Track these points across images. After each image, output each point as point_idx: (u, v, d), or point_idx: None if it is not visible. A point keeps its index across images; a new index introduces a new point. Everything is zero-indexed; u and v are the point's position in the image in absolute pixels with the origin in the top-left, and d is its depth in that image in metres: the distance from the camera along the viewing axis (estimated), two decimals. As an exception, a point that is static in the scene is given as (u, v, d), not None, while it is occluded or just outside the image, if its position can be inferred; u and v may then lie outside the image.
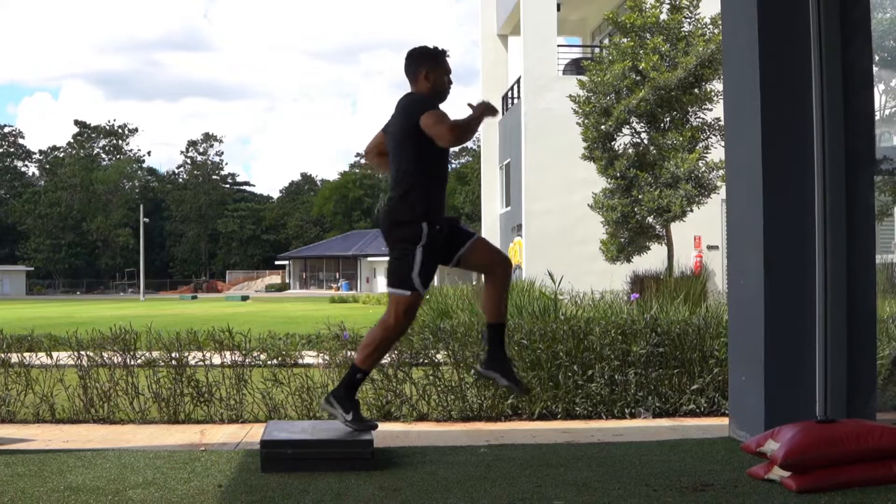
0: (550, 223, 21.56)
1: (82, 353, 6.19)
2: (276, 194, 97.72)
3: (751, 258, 4.98)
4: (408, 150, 4.48)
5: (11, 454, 4.64)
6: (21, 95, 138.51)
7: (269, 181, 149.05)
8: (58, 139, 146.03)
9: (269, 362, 6.20)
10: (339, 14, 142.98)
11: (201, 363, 6.13)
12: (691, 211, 15.36)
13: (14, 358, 6.23)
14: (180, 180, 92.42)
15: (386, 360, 6.13)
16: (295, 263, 77.28)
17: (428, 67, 4.61)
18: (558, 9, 23.15)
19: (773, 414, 4.66)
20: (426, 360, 6.16)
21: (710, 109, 15.42)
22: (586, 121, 16.13)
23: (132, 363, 6.15)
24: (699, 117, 15.58)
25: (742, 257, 5.17)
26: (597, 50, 21.43)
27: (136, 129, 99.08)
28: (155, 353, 6.21)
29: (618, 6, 19.80)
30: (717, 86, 14.52)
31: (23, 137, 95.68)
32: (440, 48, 4.69)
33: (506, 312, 4.80)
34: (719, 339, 6.18)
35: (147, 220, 66.15)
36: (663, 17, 15.64)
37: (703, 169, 15.19)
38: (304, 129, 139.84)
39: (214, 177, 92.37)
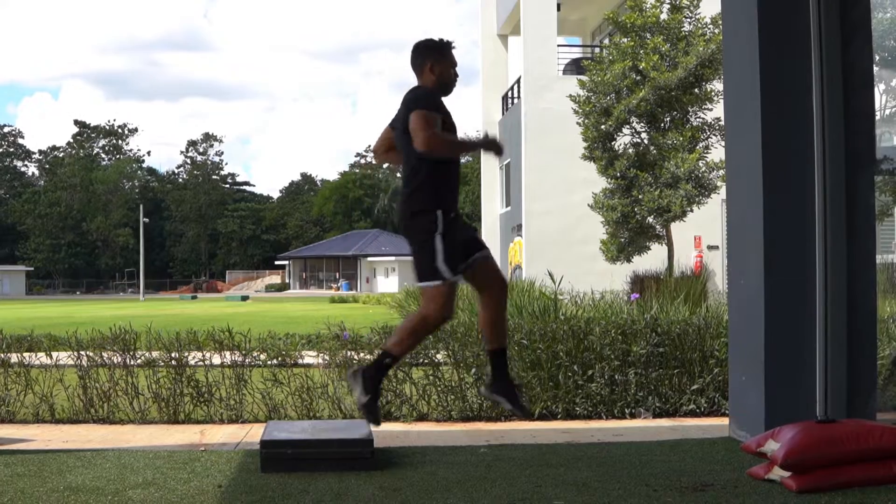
0: (550, 223, 21.56)
1: (82, 353, 6.19)
2: (276, 194, 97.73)
3: (751, 258, 4.98)
4: (412, 144, 4.46)
5: (11, 454, 4.64)
6: (21, 95, 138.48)
7: (269, 181, 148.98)
8: (58, 139, 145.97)
9: (269, 362, 6.20)
10: (339, 14, 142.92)
11: (201, 363, 6.13)
12: (691, 211, 15.35)
13: (14, 358, 6.23)
14: (180, 180, 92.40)
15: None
16: (295, 263, 77.26)
17: (433, 60, 4.59)
18: (558, 9, 23.14)
19: (773, 414, 4.66)
20: (426, 360, 6.15)
21: (710, 109, 15.41)
22: (586, 121, 16.12)
23: (132, 363, 6.15)
24: (699, 117, 15.57)
25: (742, 257, 5.17)
26: (597, 50, 21.42)
27: (136, 129, 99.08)
28: (155, 353, 6.21)
29: (618, 6, 19.79)
30: (718, 86, 14.52)
31: (23, 137, 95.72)
32: (446, 40, 4.67)
33: (505, 336, 4.78)
34: (719, 339, 6.18)
35: (147, 220, 66.13)
36: (663, 16, 15.63)
37: (703, 169, 15.19)
38: (304, 129, 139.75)
39: (214, 177, 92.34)
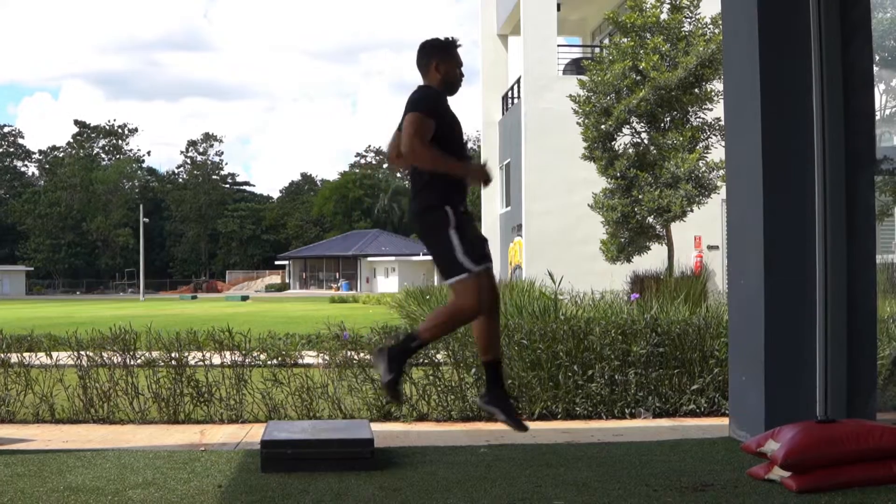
0: (550, 223, 21.56)
1: (82, 353, 6.19)
2: (276, 194, 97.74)
3: (751, 258, 4.98)
4: None
5: (11, 454, 4.64)
6: (21, 95, 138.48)
7: (269, 181, 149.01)
8: (58, 139, 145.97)
9: (269, 362, 6.20)
10: (339, 14, 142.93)
11: (201, 363, 6.13)
12: (691, 211, 15.35)
13: (14, 358, 6.23)
14: (180, 180, 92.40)
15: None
16: (295, 263, 77.26)
17: (439, 59, 4.57)
18: (558, 9, 23.14)
19: (773, 414, 4.65)
20: (426, 360, 6.15)
21: (710, 109, 15.41)
22: (586, 121, 16.12)
23: (132, 363, 6.15)
24: (699, 117, 15.57)
25: (742, 257, 5.17)
26: (597, 50, 21.42)
27: (136, 129, 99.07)
28: (155, 353, 6.21)
29: (618, 6, 19.79)
30: (718, 86, 14.51)
31: (23, 137, 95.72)
32: (452, 39, 4.66)
33: (499, 348, 4.77)
34: (719, 339, 6.18)
35: (147, 220, 66.13)
36: (664, 16, 15.63)
37: (703, 169, 15.19)
38: (304, 129, 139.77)
39: (214, 177, 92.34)
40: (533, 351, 6.15)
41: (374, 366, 4.61)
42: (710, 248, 20.88)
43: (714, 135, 15.41)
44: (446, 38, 4.64)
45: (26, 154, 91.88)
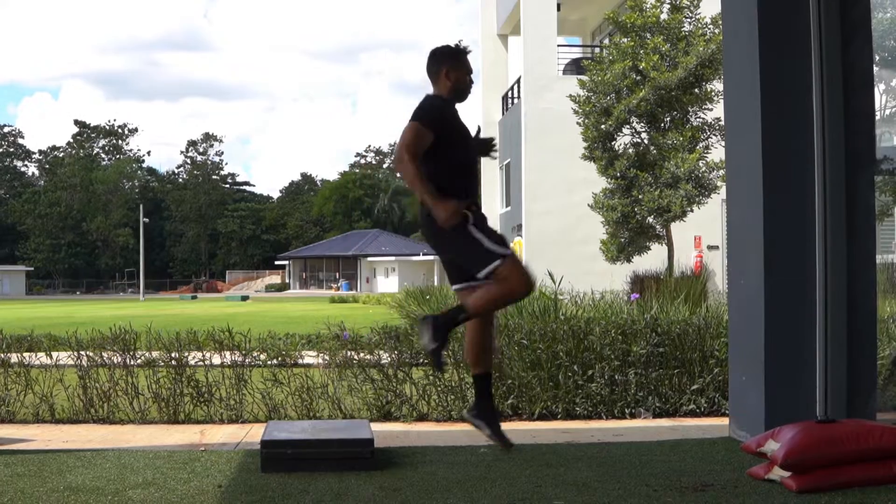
0: (550, 223, 21.56)
1: (82, 353, 6.19)
2: (276, 194, 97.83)
3: (751, 258, 4.98)
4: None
5: (11, 454, 4.63)
6: (21, 95, 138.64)
7: (269, 181, 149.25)
8: (58, 139, 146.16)
9: (269, 362, 6.20)
10: (339, 14, 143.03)
11: (201, 363, 6.13)
12: (691, 211, 15.35)
13: (14, 358, 6.23)
14: (180, 180, 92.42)
15: (386, 360, 6.14)
16: (295, 263, 77.27)
17: (449, 66, 4.61)
18: (558, 9, 23.15)
19: (773, 414, 4.65)
20: (426, 360, 6.15)
21: (710, 109, 15.41)
22: (586, 121, 16.13)
23: (132, 363, 6.15)
24: (699, 117, 15.57)
25: (742, 257, 5.17)
26: (597, 50, 21.42)
27: (136, 129, 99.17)
28: (155, 353, 6.21)
29: (618, 6, 19.79)
30: (718, 86, 14.52)
31: (23, 137, 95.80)
32: (462, 46, 4.68)
33: (492, 361, 4.84)
34: (719, 339, 6.18)
35: (147, 220, 66.15)
36: (664, 16, 15.64)
37: (703, 169, 15.19)
38: (304, 129, 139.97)
39: (214, 177, 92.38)
40: (533, 351, 6.15)
41: (419, 334, 4.66)
42: (710, 248, 20.88)
43: (714, 135, 15.42)
44: (456, 46, 4.67)
45: (26, 154, 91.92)
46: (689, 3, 15.57)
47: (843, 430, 3.90)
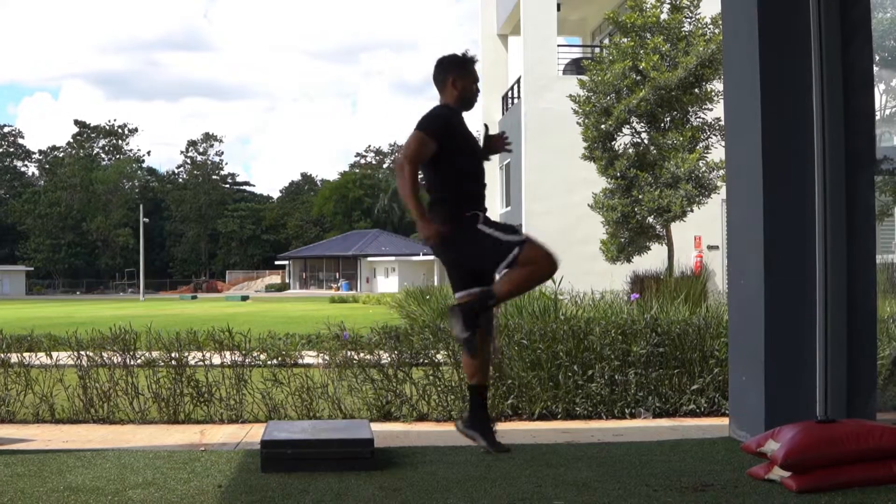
0: (550, 223, 21.54)
1: (82, 353, 6.19)
2: (276, 194, 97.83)
3: (751, 258, 4.98)
4: (427, 164, 4.61)
5: (11, 454, 4.63)
6: (21, 95, 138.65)
7: (269, 181, 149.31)
8: (58, 139, 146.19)
9: (269, 362, 6.20)
10: (339, 14, 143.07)
11: (201, 363, 6.13)
12: (691, 211, 15.35)
13: (14, 358, 6.23)
14: (180, 180, 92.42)
15: (386, 360, 6.14)
16: (295, 263, 77.26)
17: (456, 75, 4.70)
18: (558, 9, 23.14)
19: (773, 414, 4.65)
20: (426, 360, 6.15)
21: (711, 109, 15.41)
22: (586, 121, 16.12)
23: (132, 363, 6.15)
24: (699, 117, 15.57)
25: (742, 257, 5.17)
26: (597, 50, 21.43)
27: (136, 129, 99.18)
28: (155, 353, 6.21)
29: (618, 6, 19.79)
30: (718, 86, 14.51)
31: (23, 137, 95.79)
32: (469, 56, 4.76)
33: (489, 373, 4.94)
34: (719, 339, 6.18)
35: (147, 220, 66.15)
36: (664, 16, 15.64)
37: (704, 169, 15.19)
38: (304, 129, 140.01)
39: (214, 177, 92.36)
40: (533, 351, 6.15)
41: (449, 324, 4.71)
42: (710, 248, 20.88)
43: (714, 135, 15.42)
44: (463, 55, 4.77)
45: (26, 154, 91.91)
46: (689, 3, 15.57)
47: (843, 430, 3.90)
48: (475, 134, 4.91)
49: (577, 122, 16.41)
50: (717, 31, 14.95)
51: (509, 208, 25.45)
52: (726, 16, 5.54)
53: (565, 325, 6.27)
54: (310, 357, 6.52)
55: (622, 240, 16.06)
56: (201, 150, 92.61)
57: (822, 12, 4.74)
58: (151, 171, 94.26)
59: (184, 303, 44.93)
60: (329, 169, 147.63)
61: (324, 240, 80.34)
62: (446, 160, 4.55)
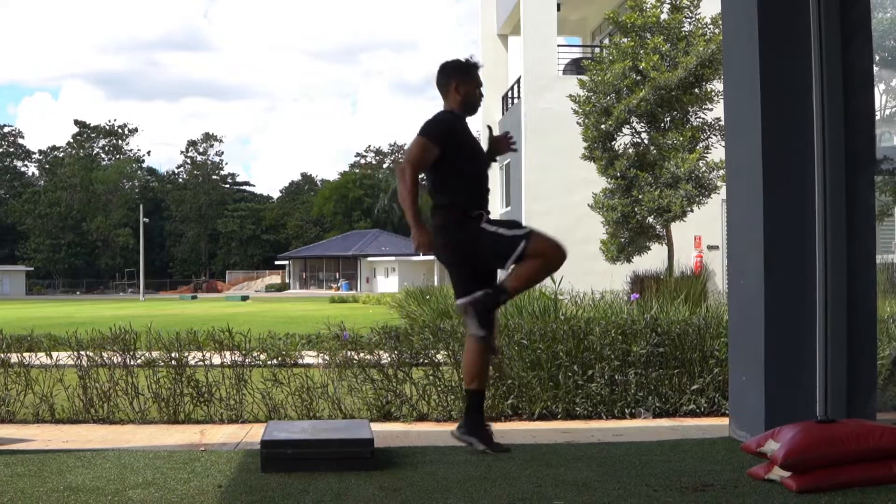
0: (550, 223, 21.40)
1: (82, 353, 6.19)
2: (276, 194, 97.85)
3: (751, 258, 4.98)
4: (430, 170, 4.66)
5: (11, 454, 4.63)
6: (21, 95, 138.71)
7: (269, 181, 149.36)
8: (58, 139, 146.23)
9: (269, 362, 6.20)
10: (339, 14, 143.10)
11: (201, 363, 6.13)
12: (691, 211, 15.35)
13: (14, 358, 6.23)
14: (180, 180, 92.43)
15: (386, 360, 6.14)
16: (295, 263, 77.26)
17: (459, 80, 4.74)
18: (558, 9, 23.15)
19: (773, 414, 4.65)
20: (426, 360, 6.15)
21: (711, 109, 15.41)
22: (586, 121, 16.13)
23: (132, 363, 6.15)
24: (699, 117, 15.57)
25: (742, 257, 5.17)
26: (597, 50, 21.43)
27: (136, 129, 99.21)
28: (155, 353, 6.21)
29: (618, 6, 19.79)
30: (718, 86, 14.51)
31: (23, 137, 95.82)
32: (472, 61, 4.80)
33: (487, 379, 4.97)
34: (719, 339, 6.18)
35: (147, 220, 66.15)
36: (664, 16, 15.64)
37: (704, 169, 15.19)
38: (304, 129, 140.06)
39: (214, 177, 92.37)
40: (533, 351, 6.15)
41: (465, 323, 4.73)
42: (710, 248, 20.88)
43: (714, 135, 15.42)
44: (466, 60, 4.82)
45: (26, 154, 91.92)
46: (689, 3, 15.57)
47: (843, 430, 3.90)
48: (476, 134, 4.94)
49: (577, 122, 16.41)
50: (717, 31, 14.95)
51: (509, 208, 25.45)
52: (726, 16, 5.54)
53: (565, 325, 6.27)
54: (310, 357, 6.52)
55: (622, 240, 16.06)
56: (201, 150, 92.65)
57: (822, 12, 4.74)
58: (151, 171, 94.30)
59: (184, 303, 44.93)
60: (329, 169, 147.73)
61: (324, 240, 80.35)
62: (449, 165, 4.60)
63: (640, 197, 15.30)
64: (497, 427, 5.76)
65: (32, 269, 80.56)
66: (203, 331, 6.41)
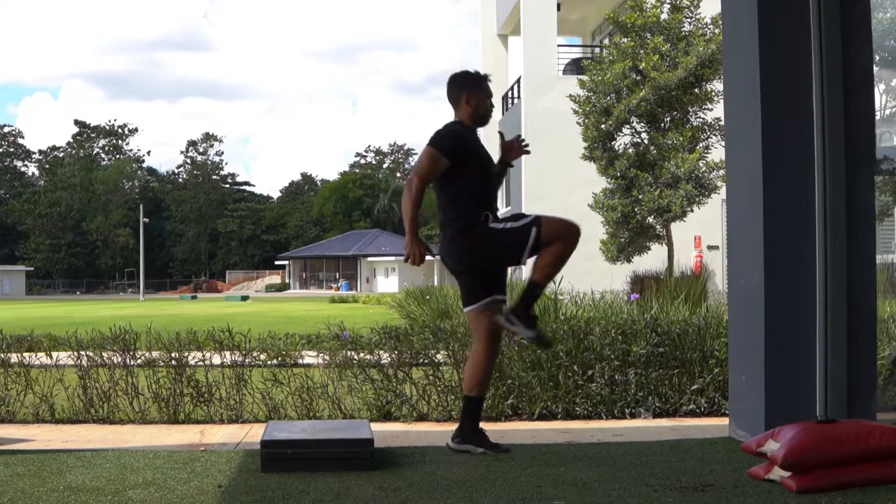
0: (550, 223, 21.53)
1: (82, 353, 6.19)
2: (276, 194, 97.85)
3: (751, 258, 4.98)
4: (439, 182, 4.70)
5: (11, 454, 4.63)
6: (21, 95, 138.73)
7: (269, 181, 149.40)
8: (58, 139, 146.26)
9: (269, 362, 6.20)
10: (339, 14, 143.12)
11: (201, 363, 6.13)
12: (691, 211, 15.35)
13: (14, 358, 6.23)
14: (180, 180, 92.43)
15: (386, 360, 6.14)
16: (295, 263, 77.26)
17: (469, 92, 4.77)
18: (558, 9, 23.14)
19: (773, 414, 4.65)
20: (426, 360, 6.15)
21: (711, 109, 15.41)
22: (586, 121, 16.12)
23: (132, 363, 6.15)
24: (699, 117, 15.57)
25: (742, 257, 5.17)
26: (597, 50, 21.42)
27: (136, 129, 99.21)
28: (155, 353, 6.21)
29: (618, 6, 19.79)
30: (718, 86, 14.51)
31: (23, 137, 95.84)
32: (482, 73, 4.83)
33: (488, 387, 5.01)
34: (719, 339, 6.17)
35: (147, 220, 66.15)
36: (664, 16, 15.63)
37: (703, 169, 15.19)
38: (304, 129, 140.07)
39: (214, 177, 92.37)
40: (533, 351, 6.15)
41: (512, 330, 4.74)
42: (710, 248, 20.87)
43: (714, 135, 15.42)
44: (476, 72, 4.87)
45: (26, 154, 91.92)
46: (689, 3, 15.57)
47: (844, 430, 3.90)
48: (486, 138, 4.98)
49: (577, 122, 16.41)
50: (717, 31, 14.95)
51: (509, 208, 25.43)
52: (726, 16, 5.54)
53: (565, 325, 6.27)
54: (310, 357, 6.52)
55: (622, 240, 16.06)
56: (201, 150, 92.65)
57: (822, 12, 4.74)
58: (151, 171, 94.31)
59: (184, 303, 44.93)
60: (329, 169, 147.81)
61: (324, 240, 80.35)
62: (459, 176, 4.63)
63: (640, 197, 15.30)
64: (497, 427, 5.77)
65: (32, 269, 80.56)
66: (203, 331, 6.41)
